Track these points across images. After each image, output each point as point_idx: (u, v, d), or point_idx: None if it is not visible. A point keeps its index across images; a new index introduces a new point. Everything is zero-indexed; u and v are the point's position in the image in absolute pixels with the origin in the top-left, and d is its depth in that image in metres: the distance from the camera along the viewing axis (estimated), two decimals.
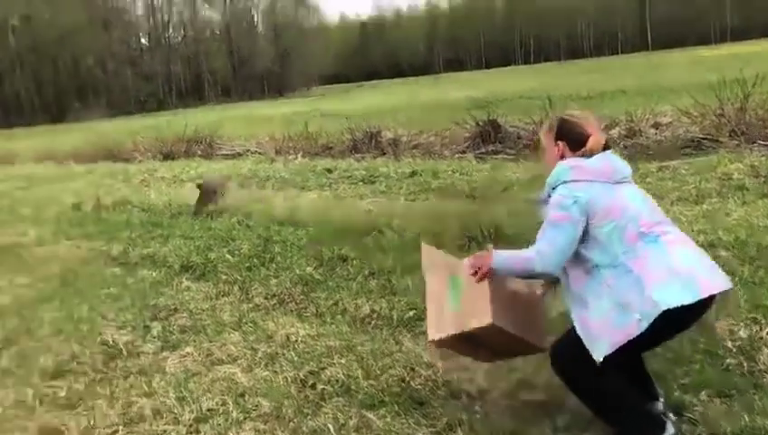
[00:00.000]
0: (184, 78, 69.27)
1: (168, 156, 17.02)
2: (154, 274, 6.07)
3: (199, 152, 17.11)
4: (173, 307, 5.04)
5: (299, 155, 14.03)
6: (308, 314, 4.70)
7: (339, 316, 4.57)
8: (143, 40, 72.18)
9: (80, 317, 4.94)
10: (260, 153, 15.24)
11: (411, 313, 4.41)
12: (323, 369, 3.62)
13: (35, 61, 59.95)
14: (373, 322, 4.41)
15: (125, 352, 4.22)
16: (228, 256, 6.25)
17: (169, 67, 66.87)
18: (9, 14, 58.01)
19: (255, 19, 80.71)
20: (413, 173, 10.46)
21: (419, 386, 3.34)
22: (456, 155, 12.20)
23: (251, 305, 4.98)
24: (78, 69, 62.61)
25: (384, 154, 13.01)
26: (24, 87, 59.63)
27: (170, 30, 74.09)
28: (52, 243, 8.01)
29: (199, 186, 9.04)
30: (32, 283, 6.22)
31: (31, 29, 59.47)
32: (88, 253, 7.32)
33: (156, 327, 4.64)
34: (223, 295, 5.27)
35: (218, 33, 76.46)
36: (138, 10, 71.47)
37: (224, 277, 5.65)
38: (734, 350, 3.34)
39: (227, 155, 16.19)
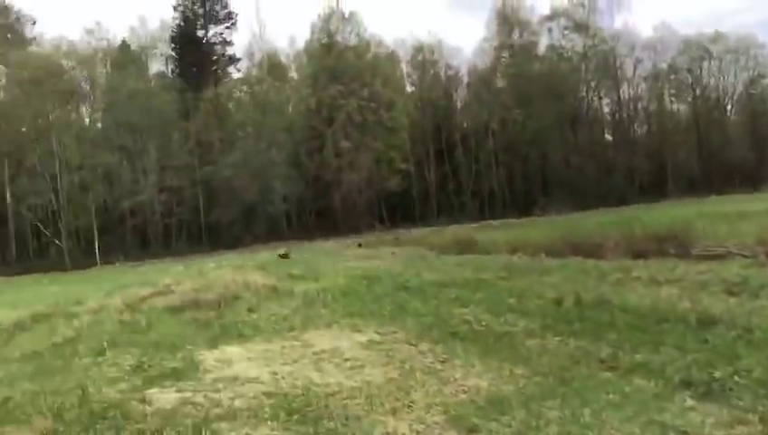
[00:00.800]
0: (646, 172, 68.44)
1: (639, 254, 16.63)
2: (651, 384, 5.80)
3: (672, 251, 16.33)
4: (682, 428, 4.68)
5: None
6: None
7: None
8: (607, 135, 74.24)
9: (585, 422, 4.95)
10: (745, 256, 13.76)
11: None
12: None
13: (509, 159, 66.73)
14: None
15: None
16: (736, 377, 5.61)
17: (632, 161, 66.97)
18: (490, 120, 66.13)
19: (728, 107, 75.68)
20: None
21: None
22: None
23: None
24: (545, 165, 67.43)
25: None
26: (497, 183, 66.77)
27: (635, 124, 74.63)
28: (539, 336, 8.39)
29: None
30: (529, 375, 6.56)
31: (506, 131, 66.68)
32: (575, 351, 7.43)
33: None
34: (739, 424, 4.71)
35: (685, 124, 73.95)
36: (604, 107, 74.10)
37: (738, 402, 5.06)
38: None
39: (705, 256, 15.04)
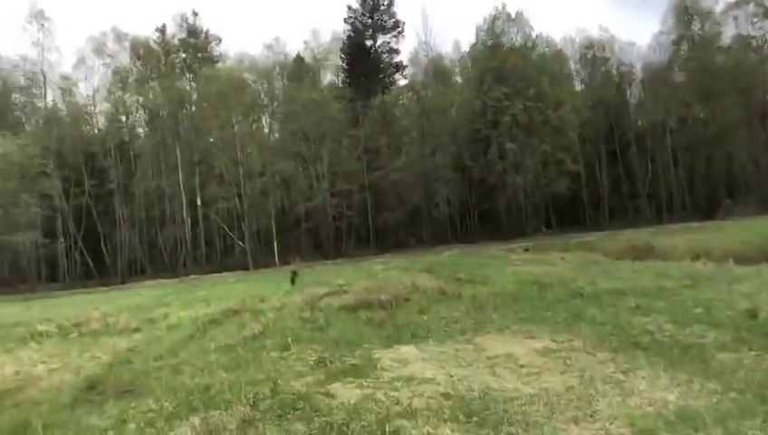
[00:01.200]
0: None
1: None
2: None
3: None
4: None
5: None
6: None
7: None
8: None
9: None
10: None
11: None
12: None
13: (689, 159, 62.30)
14: None
15: None
16: None
17: None
18: (668, 117, 62.14)
19: None
20: None
21: None
22: None
23: None
24: (730, 165, 62.17)
25: None
26: (676, 185, 62.57)
27: None
28: (732, 350, 7.78)
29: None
30: (723, 391, 6.11)
31: (687, 129, 62.32)
32: None
33: None
34: None
35: None
36: None
37: None
38: None
39: None
